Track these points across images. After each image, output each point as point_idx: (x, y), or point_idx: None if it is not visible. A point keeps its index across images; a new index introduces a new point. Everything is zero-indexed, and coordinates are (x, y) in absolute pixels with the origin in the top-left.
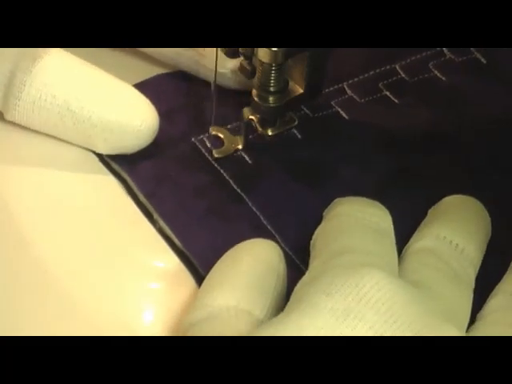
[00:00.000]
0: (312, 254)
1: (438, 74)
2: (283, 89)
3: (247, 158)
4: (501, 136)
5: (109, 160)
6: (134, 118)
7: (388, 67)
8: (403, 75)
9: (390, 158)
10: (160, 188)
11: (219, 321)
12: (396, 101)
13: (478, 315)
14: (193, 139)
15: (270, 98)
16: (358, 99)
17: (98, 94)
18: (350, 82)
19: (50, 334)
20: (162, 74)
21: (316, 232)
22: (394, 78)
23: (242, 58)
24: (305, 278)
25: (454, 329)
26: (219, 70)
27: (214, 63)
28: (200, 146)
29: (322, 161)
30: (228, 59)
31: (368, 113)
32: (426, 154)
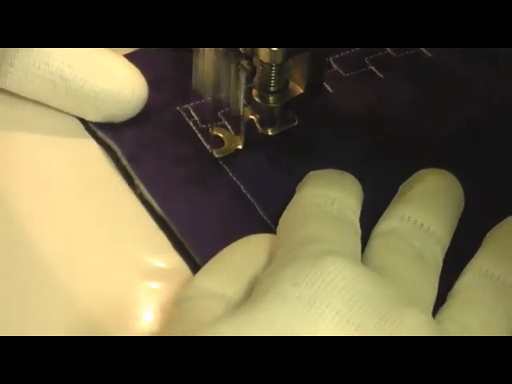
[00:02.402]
0: (276, 243)
1: (425, 50)
2: (283, 89)
3: (230, 129)
4: (485, 111)
5: (94, 128)
6: (125, 88)
7: None
8: (389, 50)
9: (373, 132)
10: (143, 153)
11: (198, 301)
12: (381, 76)
13: (449, 294)
14: (177, 108)
15: (270, 98)
16: (343, 73)
17: (90, 63)
18: (336, 56)
19: (49, 334)
20: None
21: (280, 221)
22: (380, 53)
23: (241, 57)
24: (269, 269)
25: (417, 310)
26: None
27: None
28: (184, 115)
29: (305, 133)
30: None
31: (352, 87)
32: (410, 128)
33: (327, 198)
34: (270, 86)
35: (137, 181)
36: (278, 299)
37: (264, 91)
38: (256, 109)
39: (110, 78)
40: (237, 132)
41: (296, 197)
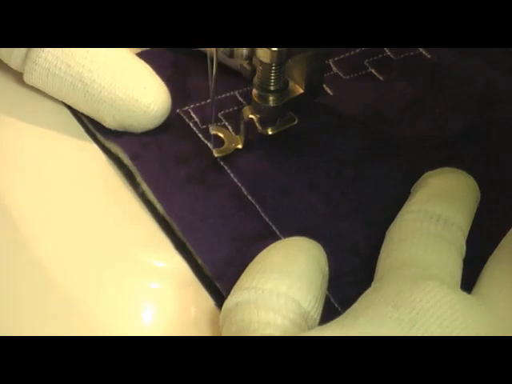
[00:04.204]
0: (379, 258)
1: (424, 52)
2: (283, 89)
3: (231, 129)
4: (484, 111)
5: (93, 130)
6: (144, 99)
7: None
8: (389, 53)
9: (372, 132)
10: (144, 151)
11: (268, 305)
12: (381, 78)
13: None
14: (178, 111)
15: (270, 98)
16: (342, 76)
17: (112, 70)
18: (336, 58)
19: (50, 334)
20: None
21: (386, 232)
22: (380, 56)
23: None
24: (370, 289)
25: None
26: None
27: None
28: (184, 117)
29: (305, 134)
30: None
31: (352, 89)
32: (410, 130)
33: (433, 215)
34: (270, 86)
35: (138, 179)
36: (377, 318)
37: (264, 91)
38: (256, 109)
39: (130, 87)
40: (237, 132)
41: (404, 209)
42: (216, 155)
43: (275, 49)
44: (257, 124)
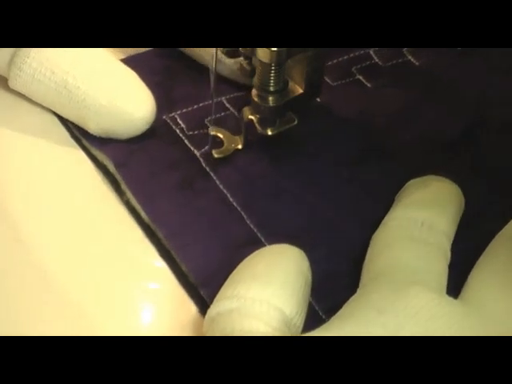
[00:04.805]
0: (364, 264)
1: (412, 59)
2: (283, 89)
3: (219, 135)
4: (473, 115)
5: (79, 135)
6: (128, 107)
7: (362, 52)
8: (377, 60)
9: (360, 137)
10: (130, 159)
11: (250, 313)
12: (368, 85)
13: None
14: (164, 117)
15: (270, 98)
16: (330, 82)
17: (96, 77)
18: None
19: (50, 334)
20: (139, 53)
21: (372, 238)
22: (368, 63)
23: (241, 57)
24: (355, 295)
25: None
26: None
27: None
28: (171, 123)
29: (292, 140)
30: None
31: (340, 96)
32: (398, 136)
33: (416, 221)
34: (270, 86)
35: (123, 187)
36: (362, 324)
37: (264, 91)
38: (256, 109)
39: (113, 94)
40: (236, 132)
41: (388, 216)
42: (215, 156)
43: (275, 49)
44: (257, 124)
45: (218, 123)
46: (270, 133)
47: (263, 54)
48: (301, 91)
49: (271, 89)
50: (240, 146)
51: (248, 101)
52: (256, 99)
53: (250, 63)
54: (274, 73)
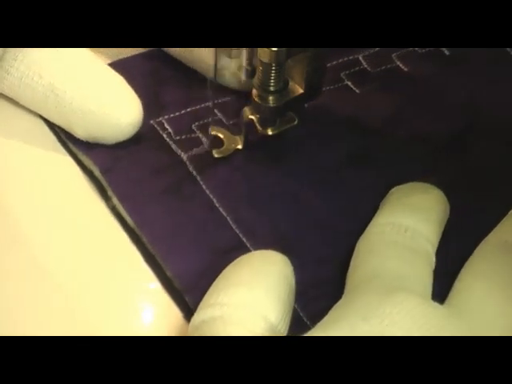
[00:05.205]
0: (348, 271)
1: (401, 65)
2: (283, 89)
3: (204, 141)
4: (461, 121)
5: (66, 139)
6: (114, 112)
7: (351, 57)
8: (365, 65)
9: (346, 143)
10: (116, 164)
11: (234, 320)
12: (357, 90)
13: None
14: (151, 122)
15: (270, 98)
16: None
17: (84, 82)
18: None
19: (50, 334)
20: (127, 57)
21: (356, 245)
22: (357, 68)
23: (241, 57)
24: (340, 302)
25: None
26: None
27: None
28: (158, 128)
29: (280, 146)
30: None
31: (328, 101)
32: (385, 139)
33: (400, 227)
34: (270, 86)
35: (109, 193)
36: (347, 331)
37: (264, 91)
38: (256, 109)
39: (100, 99)
40: (236, 132)
41: (372, 223)
42: (216, 156)
43: (275, 49)
44: (257, 124)
45: (203, 128)
46: (270, 133)
47: (263, 53)
48: (301, 91)
49: (271, 89)
50: (240, 146)
51: (240, 107)
52: (256, 99)
53: (250, 63)
54: (275, 73)
